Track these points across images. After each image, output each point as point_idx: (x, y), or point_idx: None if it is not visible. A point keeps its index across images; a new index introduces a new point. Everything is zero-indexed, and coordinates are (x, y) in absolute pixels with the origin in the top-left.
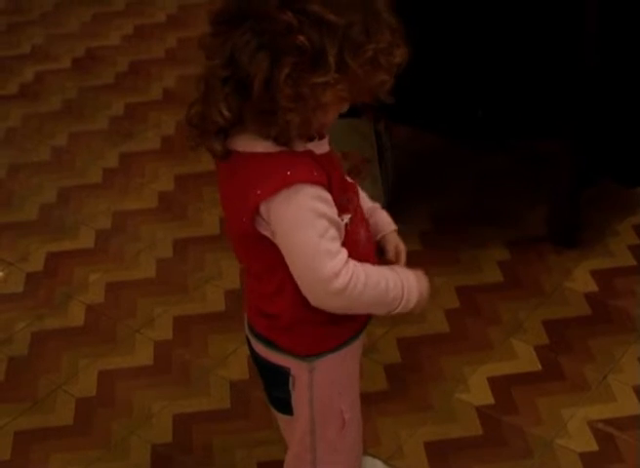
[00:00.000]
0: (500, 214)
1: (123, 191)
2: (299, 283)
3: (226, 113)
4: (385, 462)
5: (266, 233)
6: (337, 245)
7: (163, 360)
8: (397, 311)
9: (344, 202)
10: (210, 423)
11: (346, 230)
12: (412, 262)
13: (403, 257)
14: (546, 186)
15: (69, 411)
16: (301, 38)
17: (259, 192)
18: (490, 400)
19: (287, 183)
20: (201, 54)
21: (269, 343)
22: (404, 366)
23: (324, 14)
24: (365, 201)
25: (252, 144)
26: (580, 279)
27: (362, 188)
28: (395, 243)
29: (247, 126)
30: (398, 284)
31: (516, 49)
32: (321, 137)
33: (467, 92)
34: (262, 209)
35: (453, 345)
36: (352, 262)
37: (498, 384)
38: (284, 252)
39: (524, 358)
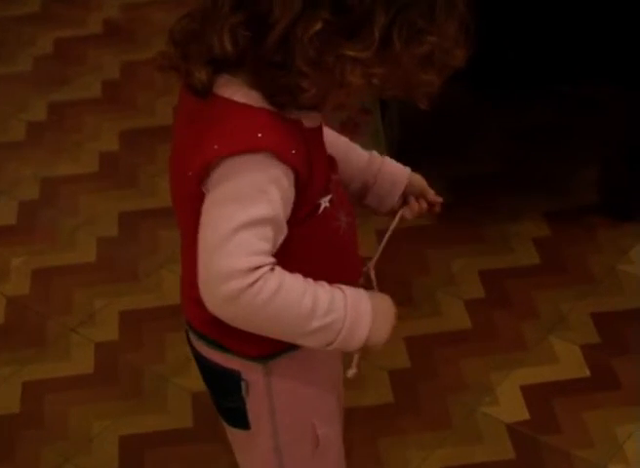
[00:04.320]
0: (538, 179)
1: (54, 152)
2: (198, 268)
3: (229, 47)
4: None
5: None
6: (262, 246)
7: (106, 367)
8: (333, 347)
9: (326, 182)
10: (167, 447)
11: (325, 214)
12: (425, 239)
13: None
14: (597, 144)
15: None
16: None
17: (216, 147)
18: (524, 415)
19: (253, 147)
20: None
21: (211, 341)
22: (415, 372)
23: None
24: (359, 155)
25: (233, 89)
26: None
27: (360, 146)
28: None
29: (243, 70)
30: (335, 315)
31: None
32: (318, 110)
33: (494, 28)
34: (214, 167)
35: (476, 345)
36: (269, 273)
37: (534, 395)
38: (203, 217)
39: (567, 361)
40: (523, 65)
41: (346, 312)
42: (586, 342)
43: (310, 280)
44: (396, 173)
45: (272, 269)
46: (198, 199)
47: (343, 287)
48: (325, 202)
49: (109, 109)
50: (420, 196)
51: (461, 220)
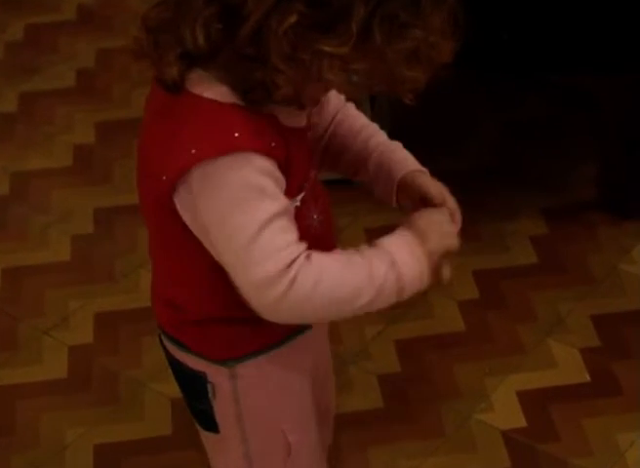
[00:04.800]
0: (535, 175)
1: (25, 145)
2: (235, 282)
3: (201, 41)
4: None
5: (181, 209)
6: (284, 239)
7: (80, 372)
8: (406, 296)
9: (303, 181)
10: (144, 456)
11: (296, 213)
12: None
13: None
14: (596, 138)
15: None
16: None
17: (194, 151)
18: (521, 422)
19: (232, 148)
20: None
21: (178, 342)
22: (405, 377)
23: None
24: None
25: (204, 85)
26: None
27: None
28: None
29: (216, 65)
30: (381, 280)
31: None
32: (300, 107)
33: (487, 7)
34: (194, 174)
35: (470, 349)
36: (306, 264)
37: (531, 401)
38: (212, 237)
39: (566, 366)
40: (517, 47)
41: (393, 269)
42: (586, 346)
43: (346, 253)
44: (394, 163)
45: (308, 256)
46: (166, 206)
47: (381, 241)
48: (296, 201)
49: (83, 100)
50: (422, 201)
51: None
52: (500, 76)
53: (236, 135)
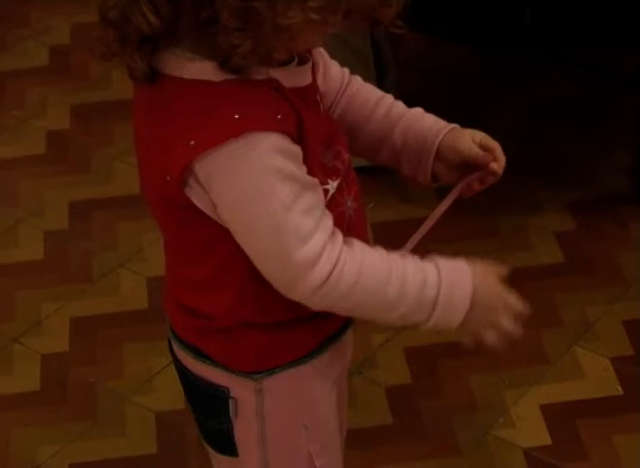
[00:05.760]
0: (561, 164)
1: None
2: (263, 273)
3: (153, 19)
4: None
5: (200, 204)
6: (312, 218)
7: (55, 383)
8: (433, 324)
9: (330, 160)
10: None
11: (330, 200)
12: (429, 234)
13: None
14: (630, 123)
15: None
16: None
17: (192, 143)
18: (545, 439)
19: (235, 132)
20: None
21: (198, 352)
22: (416, 389)
23: None
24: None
25: (184, 65)
26: None
27: None
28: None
29: (182, 38)
30: (428, 288)
31: None
32: (300, 62)
33: None
34: (198, 168)
35: (488, 358)
36: (340, 243)
37: (556, 416)
38: (234, 231)
39: (595, 376)
40: (541, 24)
41: (439, 288)
42: (617, 354)
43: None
44: (426, 130)
45: (348, 243)
46: (182, 203)
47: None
48: (332, 187)
49: (57, 80)
50: (464, 165)
51: (472, 212)
52: (523, 55)
53: (236, 116)
